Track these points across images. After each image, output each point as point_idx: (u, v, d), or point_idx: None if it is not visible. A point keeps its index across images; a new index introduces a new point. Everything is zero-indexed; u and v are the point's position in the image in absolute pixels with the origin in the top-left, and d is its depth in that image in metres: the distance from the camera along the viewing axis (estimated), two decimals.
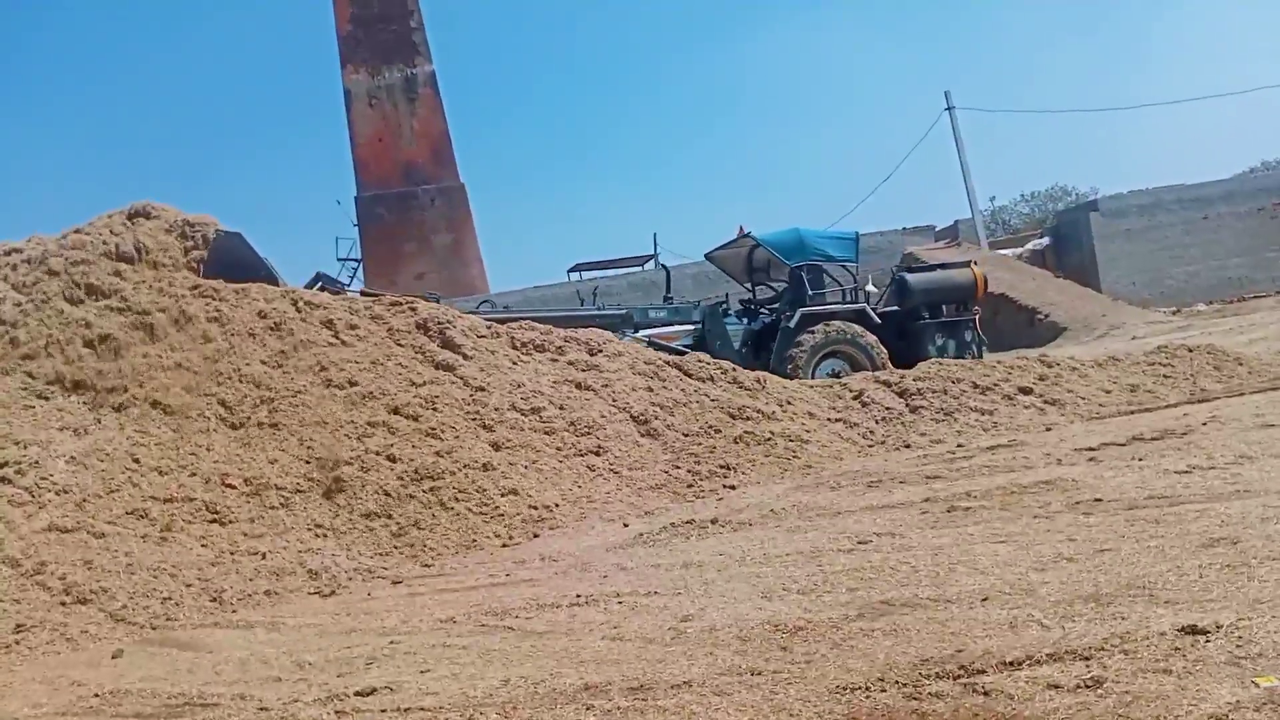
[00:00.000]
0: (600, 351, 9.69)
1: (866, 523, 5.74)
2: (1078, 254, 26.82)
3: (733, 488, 7.77)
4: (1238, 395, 8.98)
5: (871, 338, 12.44)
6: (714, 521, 6.37)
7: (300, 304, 9.05)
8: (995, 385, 9.93)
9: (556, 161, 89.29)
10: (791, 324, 12.58)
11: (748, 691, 3.15)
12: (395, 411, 7.96)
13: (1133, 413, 9.03)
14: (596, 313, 13.27)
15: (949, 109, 31.67)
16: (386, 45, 33.73)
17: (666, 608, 4.39)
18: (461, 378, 8.64)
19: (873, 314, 12.88)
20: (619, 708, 3.16)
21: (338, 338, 8.77)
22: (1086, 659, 2.96)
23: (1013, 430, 8.93)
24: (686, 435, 8.60)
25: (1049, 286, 25.10)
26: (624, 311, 13.37)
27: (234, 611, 5.49)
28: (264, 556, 6.16)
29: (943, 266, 14.25)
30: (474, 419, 8.14)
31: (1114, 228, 26.50)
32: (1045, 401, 9.69)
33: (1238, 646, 2.85)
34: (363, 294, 11.93)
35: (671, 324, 13.07)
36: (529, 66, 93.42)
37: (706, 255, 15.54)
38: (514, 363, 9.20)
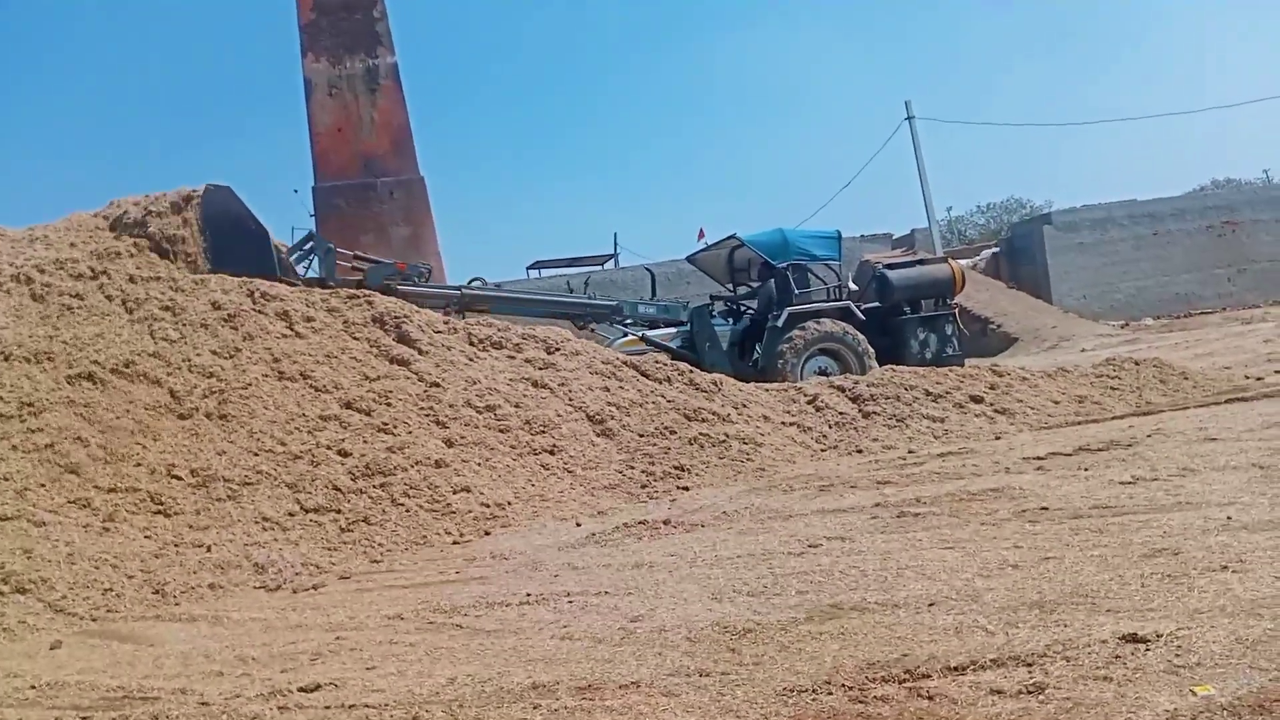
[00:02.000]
0: (558, 350, 9.67)
1: (817, 526, 5.78)
2: (1030, 266, 27.21)
3: (686, 489, 7.79)
4: (1182, 409, 9.17)
5: (858, 334, 12.59)
6: (666, 522, 6.37)
7: (256, 295, 8.94)
8: (947, 393, 10.05)
9: (517, 157, 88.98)
10: (779, 323, 12.67)
11: (695, 693, 3.15)
12: (348, 406, 7.89)
13: (1080, 423, 9.18)
14: (586, 301, 13.41)
15: (909, 119, 31.98)
16: (349, 35, 33.39)
17: (616, 608, 4.38)
18: (416, 373, 8.58)
19: (857, 311, 13.00)
20: (566, 707, 3.15)
21: (292, 329, 8.67)
22: (1029, 665, 3.00)
23: (963, 438, 9.04)
24: (642, 436, 8.60)
25: (1002, 297, 25.47)
26: (614, 303, 13.52)
27: (177, 604, 5.40)
28: (209, 549, 6.07)
29: (920, 263, 14.35)
30: (428, 415, 8.08)
31: (1066, 241, 26.93)
32: (995, 410, 9.82)
33: (1176, 655, 2.91)
34: (357, 257, 12.10)
35: (659, 321, 13.25)
36: (493, 61, 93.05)
37: (688, 258, 15.63)
38: (470, 359, 9.15)
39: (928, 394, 9.96)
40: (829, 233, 13.84)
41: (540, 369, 9.26)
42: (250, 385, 7.78)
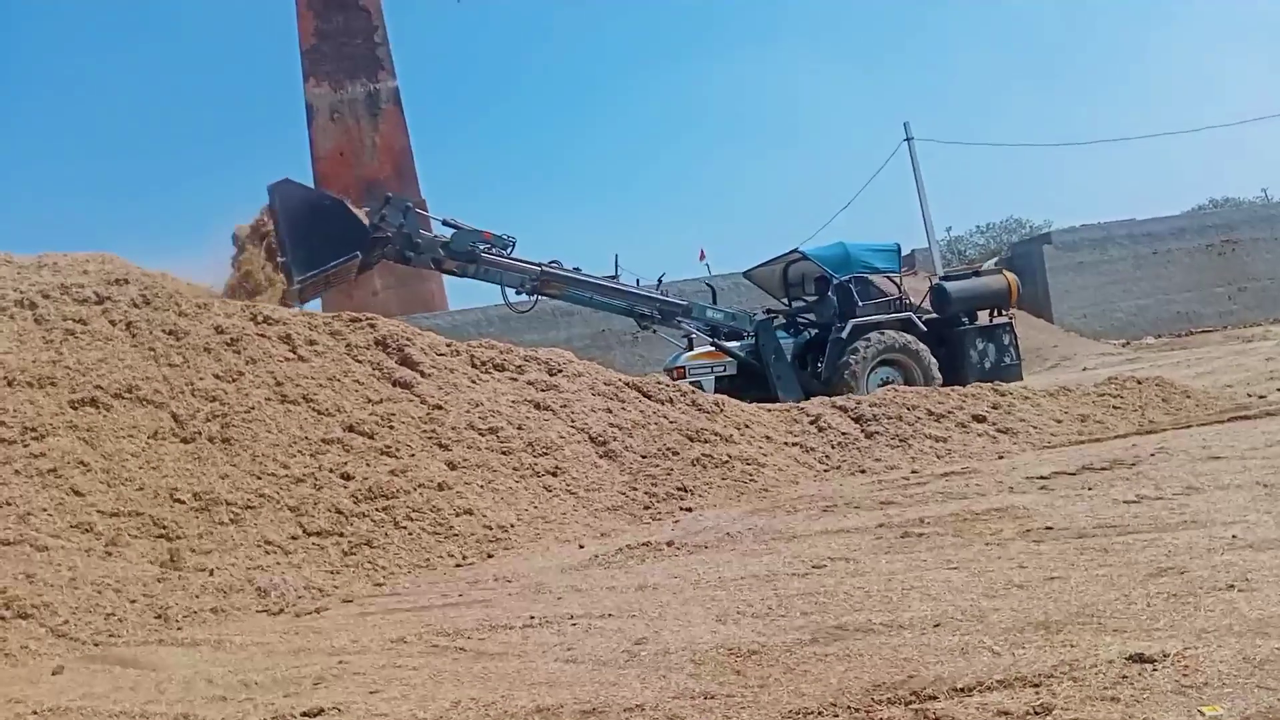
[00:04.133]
0: (560, 372, 9.67)
1: (821, 547, 5.76)
2: (1031, 285, 27.21)
3: (689, 510, 7.77)
4: (1185, 427, 9.15)
5: (922, 345, 12.79)
6: (670, 544, 6.36)
7: (259, 319, 8.95)
8: (949, 413, 10.04)
9: (516, 180, 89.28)
10: (844, 335, 12.83)
11: (700, 715, 3.14)
12: (351, 429, 7.88)
13: (1083, 442, 9.16)
14: (659, 297, 13.54)
15: (908, 140, 32.09)
16: (350, 60, 33.59)
17: (621, 630, 4.36)
18: (419, 395, 8.58)
19: (919, 322, 13.18)
20: None
21: (295, 353, 8.67)
22: (1036, 686, 2.99)
23: (966, 457, 9.02)
24: (644, 457, 8.59)
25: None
26: (685, 303, 13.64)
27: (179, 629, 5.38)
28: (211, 573, 6.05)
29: (976, 274, 14.48)
30: (430, 438, 8.08)
31: (1066, 260, 26.98)
32: (998, 430, 9.81)
33: (1184, 675, 2.89)
34: (446, 222, 12.26)
35: (723, 329, 13.42)
36: (492, 85, 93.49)
37: (745, 274, 15.85)
38: (473, 381, 9.15)
39: (930, 414, 9.95)
40: (890, 245, 14.04)
41: (543, 391, 9.26)
42: (253, 409, 7.78)
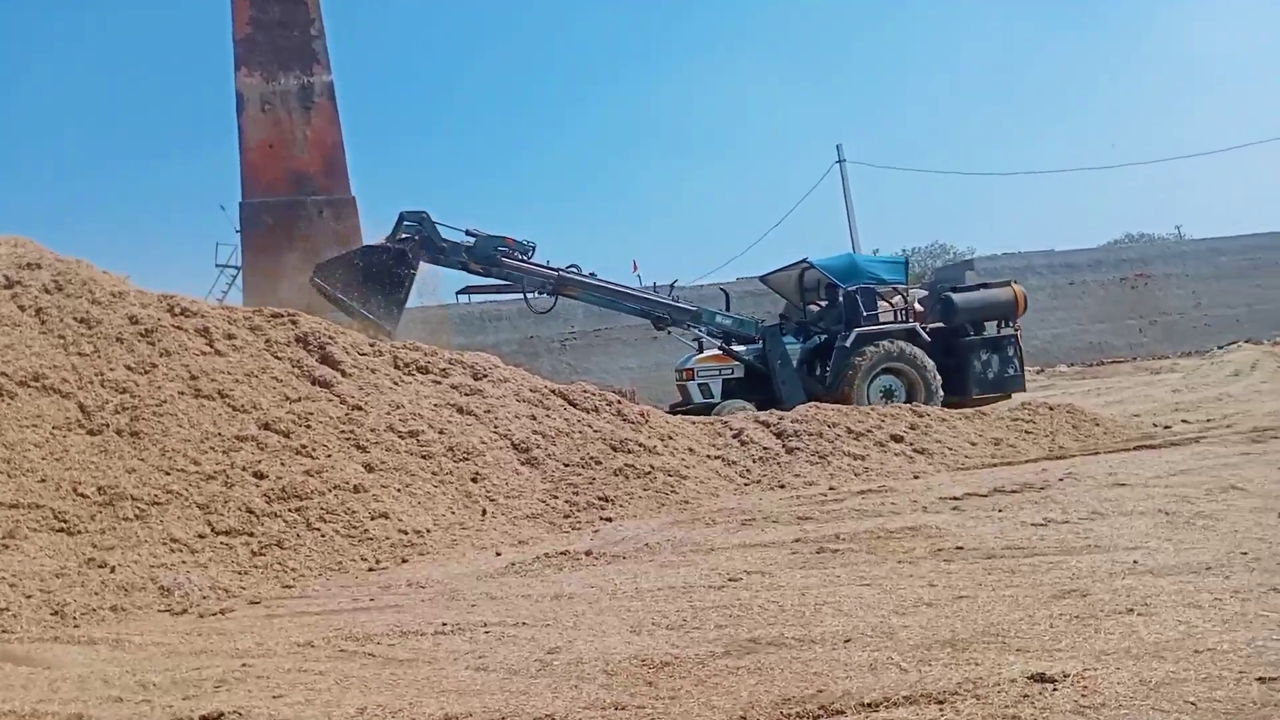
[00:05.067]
0: (485, 376, 9.60)
1: (738, 560, 5.79)
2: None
3: (609, 520, 7.76)
4: (1093, 454, 9.43)
5: (924, 355, 13.12)
6: (588, 553, 6.34)
7: (176, 310, 8.72)
8: (868, 431, 10.20)
9: (452, 185, 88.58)
10: (847, 343, 13.23)
11: None
12: (266, 426, 7.71)
13: (995, 465, 9.38)
14: (670, 303, 14.24)
15: (840, 162, 32.69)
16: (284, 51, 32.95)
17: (534, 639, 4.33)
18: (339, 395, 8.43)
19: (923, 332, 13.50)
20: None
21: (212, 346, 8.46)
22: (940, 703, 3.04)
23: (883, 476, 9.17)
24: (567, 465, 8.56)
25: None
26: (695, 309, 14.35)
27: (76, 626, 5.19)
28: (113, 570, 5.85)
29: (984, 286, 14.81)
30: (348, 438, 7.94)
31: None
32: (915, 450, 9.99)
33: (1083, 696, 2.96)
34: (468, 232, 13.27)
35: (733, 335, 13.94)
36: (431, 88, 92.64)
37: (761, 278, 16.30)
38: (395, 383, 9.03)
39: (850, 432, 10.10)
40: (897, 259, 14.67)
41: (466, 395, 9.17)
42: (165, 402, 7.56)
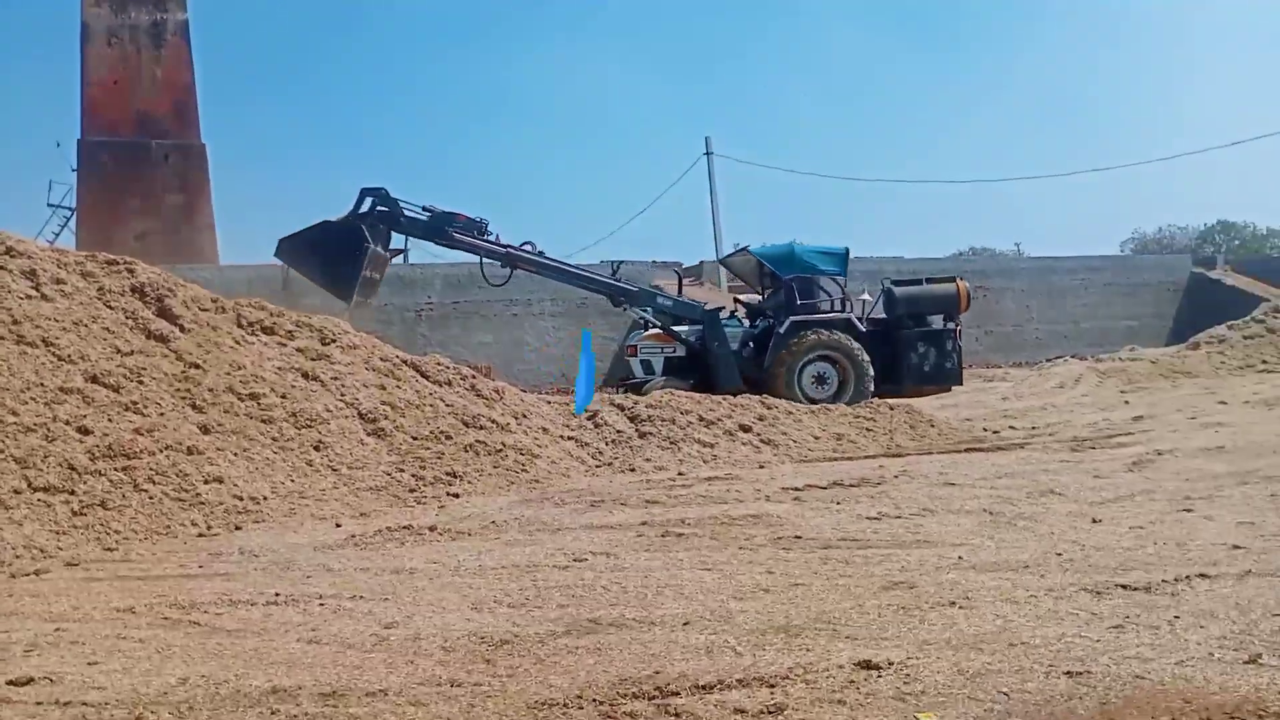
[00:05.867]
0: (334, 342, 9.31)
1: (585, 541, 5.82)
2: None
3: (457, 496, 7.67)
4: (927, 454, 9.88)
5: (857, 345, 13.42)
6: (432, 529, 6.25)
7: (1, 249, 8.12)
8: (719, 420, 10.40)
9: (311, 144, 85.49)
10: (782, 330, 13.58)
11: (445, 703, 3.09)
12: (94, 379, 7.28)
13: (836, 460, 9.72)
14: (613, 281, 14.74)
15: (707, 154, 33.11)
16: None
17: (371, 613, 4.24)
18: (175, 351, 8.04)
19: (858, 323, 13.81)
20: (307, 713, 3.01)
21: (39, 291, 7.93)
22: (772, 686, 3.13)
23: (730, 464, 9.37)
24: (415, 439, 8.41)
25: None
26: (635, 289, 14.98)
27: None
28: None
29: (929, 280, 15.07)
30: (184, 397, 7.58)
31: None
32: (761, 440, 10.24)
33: (905, 683, 3.10)
34: (426, 208, 13.97)
35: (676, 317, 14.28)
36: (292, 40, 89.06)
37: (720, 260, 16.85)
38: (237, 342, 8.67)
39: (701, 420, 10.27)
40: (836, 249, 14.62)
41: (313, 360, 8.88)
42: None
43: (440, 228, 13.99)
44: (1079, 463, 8.59)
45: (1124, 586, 4.22)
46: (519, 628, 3.93)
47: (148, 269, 8.93)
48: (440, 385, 9.42)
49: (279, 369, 8.51)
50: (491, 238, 14.32)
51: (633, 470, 9.07)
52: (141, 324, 8.18)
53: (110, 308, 8.21)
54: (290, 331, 9.19)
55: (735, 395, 11.64)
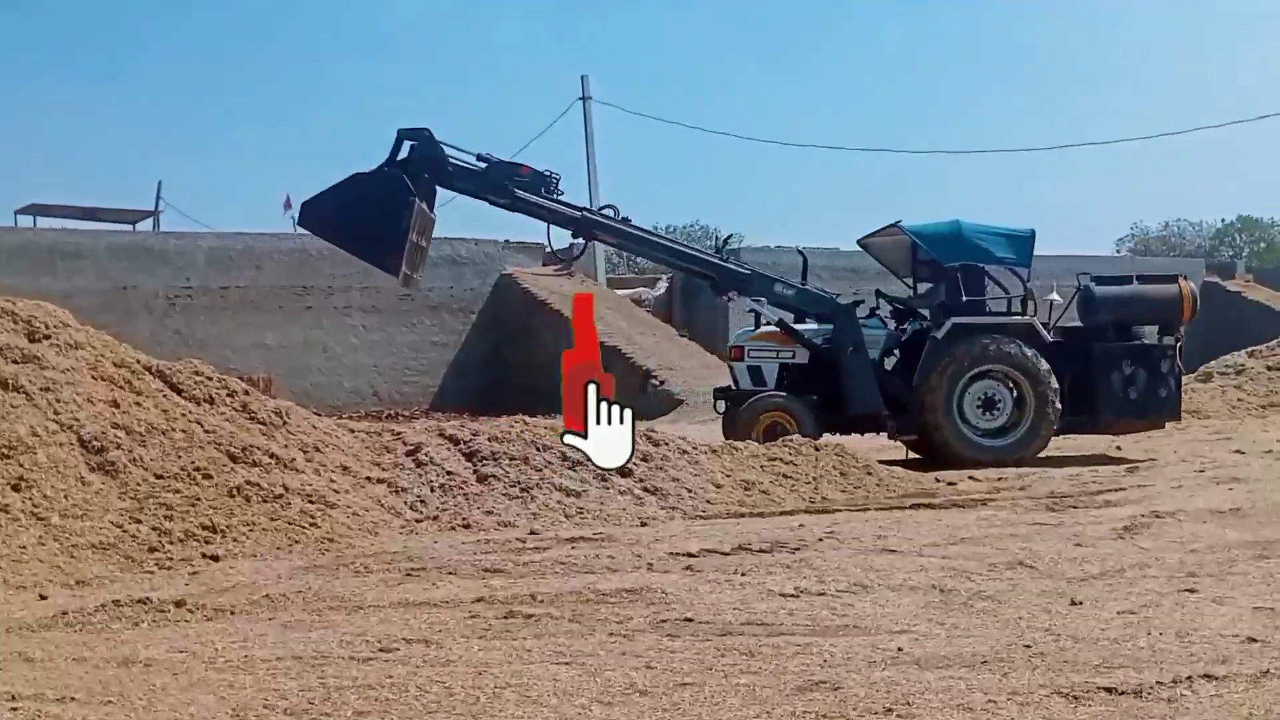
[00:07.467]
0: (48, 339, 8.98)
1: (396, 624, 5.77)
2: (708, 312, 28.90)
3: (216, 559, 7.53)
4: (862, 510, 10.08)
5: (1039, 360, 13.26)
6: (179, 604, 6.14)
7: None
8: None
9: (43, 68, 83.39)
10: (939, 335, 13.35)
11: None
12: None
13: (743, 515, 9.83)
14: (716, 260, 14.76)
15: (584, 99, 33.25)
16: None
17: None
18: None
19: (1043, 331, 13.70)
20: None
21: None
22: None
23: (601, 520, 9.39)
24: (160, 477, 8.19)
25: (671, 347, 26.91)
26: (748, 272, 14.58)
27: None
28: None
29: (1140, 279, 15.03)
30: None
31: None
32: (645, 489, 10.28)
33: None
34: (480, 157, 14.04)
35: (800, 311, 14.10)
36: None
37: (859, 241, 16.26)
38: None
39: (564, 459, 10.25)
40: (1020, 231, 14.42)
41: (15, 363, 8.55)
42: None
43: (500, 183, 13.92)
44: (1056, 525, 8.89)
45: (1108, 690, 4.37)
46: None
47: None
48: (199, 403, 9.21)
49: None
50: (562, 197, 14.39)
51: (467, 526, 9.01)
52: None
53: None
54: None
55: (872, 420, 11.58)
